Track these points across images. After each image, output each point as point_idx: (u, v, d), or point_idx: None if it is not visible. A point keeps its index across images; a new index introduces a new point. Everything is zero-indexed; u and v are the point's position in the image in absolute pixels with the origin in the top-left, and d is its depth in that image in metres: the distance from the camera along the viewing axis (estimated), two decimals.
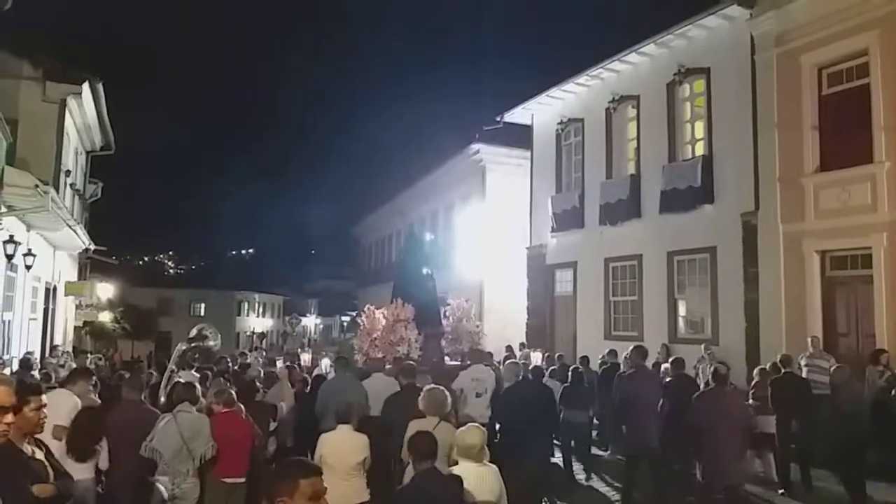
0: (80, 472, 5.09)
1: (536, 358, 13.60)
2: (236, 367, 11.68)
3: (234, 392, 6.46)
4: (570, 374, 10.31)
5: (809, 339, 10.86)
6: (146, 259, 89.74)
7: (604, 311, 16.59)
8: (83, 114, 17.44)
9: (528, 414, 6.81)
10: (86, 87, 15.92)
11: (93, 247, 20.30)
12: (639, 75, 15.93)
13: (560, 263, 18.24)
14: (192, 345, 9.93)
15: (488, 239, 21.25)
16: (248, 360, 13.20)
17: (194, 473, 5.69)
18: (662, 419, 7.72)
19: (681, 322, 14.74)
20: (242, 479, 5.96)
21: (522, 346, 17.06)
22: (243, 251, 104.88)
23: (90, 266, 25.19)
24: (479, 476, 4.01)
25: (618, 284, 16.40)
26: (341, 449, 5.49)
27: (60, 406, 5.31)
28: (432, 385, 6.03)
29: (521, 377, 8.17)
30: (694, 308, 14.50)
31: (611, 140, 16.83)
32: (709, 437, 6.69)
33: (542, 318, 18.65)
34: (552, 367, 11.98)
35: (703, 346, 12.92)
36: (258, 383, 8.77)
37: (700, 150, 14.51)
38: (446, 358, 12.71)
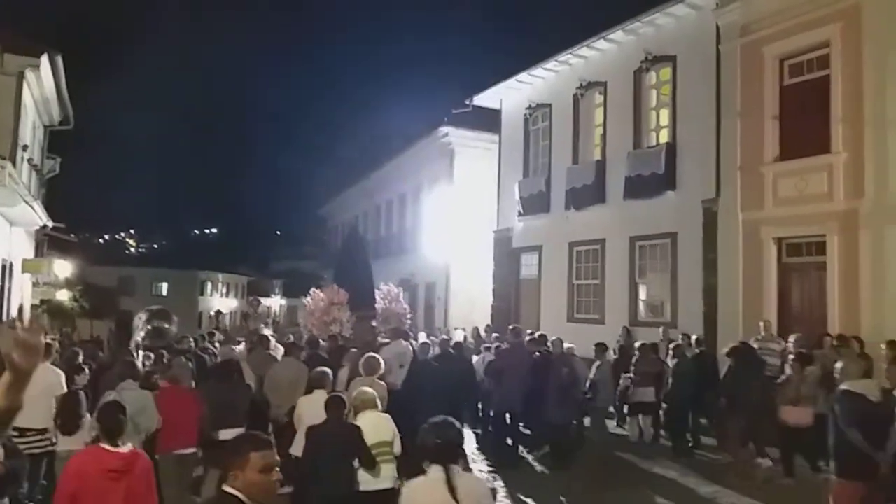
0: (69, 443, 5.90)
1: (459, 335, 15.01)
2: (199, 348, 11.59)
3: (193, 370, 6.58)
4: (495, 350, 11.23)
5: (762, 323, 11.20)
6: (106, 237, 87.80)
7: (567, 294, 16.84)
8: (41, 87, 16.90)
9: (435, 382, 8.37)
10: (44, 59, 15.40)
11: (51, 224, 19.77)
12: (606, 62, 16.06)
13: (526, 247, 18.42)
14: (150, 327, 10.04)
15: (456, 222, 21.32)
16: (216, 340, 13.11)
17: (140, 448, 5.76)
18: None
19: (641, 306, 15.05)
20: (192, 450, 6.25)
21: (488, 328, 17.21)
22: (207, 230, 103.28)
23: (48, 243, 24.55)
24: (376, 421, 5.35)
25: (581, 268, 16.65)
26: (316, 409, 5.96)
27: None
28: (370, 354, 7.57)
29: (439, 353, 9.86)
30: (654, 292, 14.81)
31: (578, 126, 16.98)
32: (557, 392, 9.28)
33: (508, 300, 18.84)
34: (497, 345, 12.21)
35: (661, 329, 13.24)
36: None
37: (664, 137, 14.74)
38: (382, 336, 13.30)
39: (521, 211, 18.27)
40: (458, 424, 3.38)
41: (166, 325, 10.47)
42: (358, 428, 5.20)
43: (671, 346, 11.21)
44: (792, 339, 10.29)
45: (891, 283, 10.29)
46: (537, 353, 10.27)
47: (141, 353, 9.43)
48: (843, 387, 5.45)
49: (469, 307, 19.20)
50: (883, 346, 9.15)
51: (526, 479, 5.43)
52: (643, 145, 15.10)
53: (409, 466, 4.35)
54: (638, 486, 8.37)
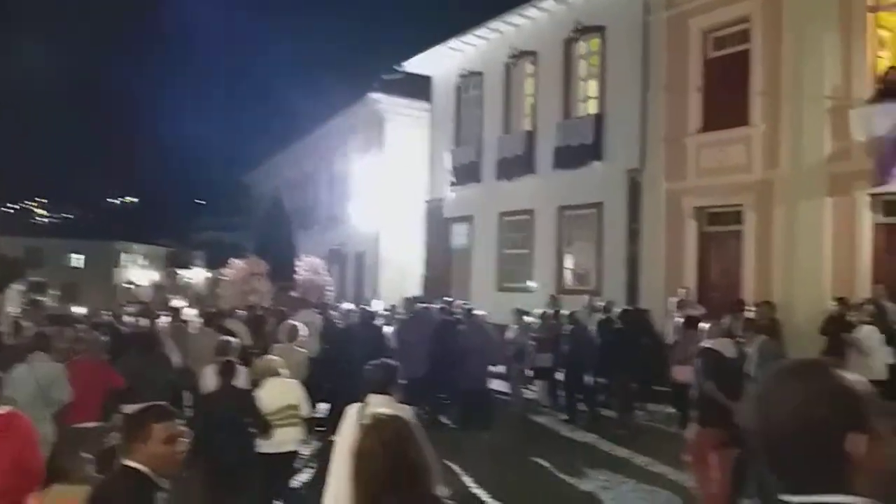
0: None
1: (378, 305, 15.17)
2: (114, 320, 11.17)
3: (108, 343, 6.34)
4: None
5: (682, 290, 11.63)
6: (12, 206, 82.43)
7: (497, 263, 16.99)
8: None
9: (348, 350, 8.75)
10: None
11: None
12: (538, 31, 16.05)
13: (457, 217, 18.42)
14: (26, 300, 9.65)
15: (386, 191, 21.04)
16: (132, 313, 12.60)
17: (51, 420, 5.57)
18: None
19: (568, 274, 15.36)
20: (99, 424, 5.97)
21: (418, 298, 17.18)
22: (124, 199, 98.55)
23: None
24: (283, 386, 5.54)
25: (511, 238, 16.80)
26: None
27: None
28: (291, 321, 7.99)
29: (355, 322, 10.39)
30: (581, 261, 15.13)
31: (509, 95, 16.98)
32: (462, 357, 9.75)
33: (439, 270, 18.85)
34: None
35: (587, 297, 13.53)
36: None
37: (593, 108, 14.93)
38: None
39: (453, 180, 18.21)
40: (393, 364, 4.37)
41: (41, 298, 10.17)
42: (249, 393, 5.34)
43: (573, 312, 11.57)
44: (674, 300, 11.21)
45: (801, 250, 10.84)
46: (445, 321, 10.64)
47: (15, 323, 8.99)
48: (702, 344, 6.16)
49: (399, 277, 19.09)
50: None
51: (438, 441, 5.63)
52: (572, 115, 15.26)
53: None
54: (543, 446, 8.78)
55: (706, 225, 12.56)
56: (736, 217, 11.95)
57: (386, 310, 13.47)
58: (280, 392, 5.49)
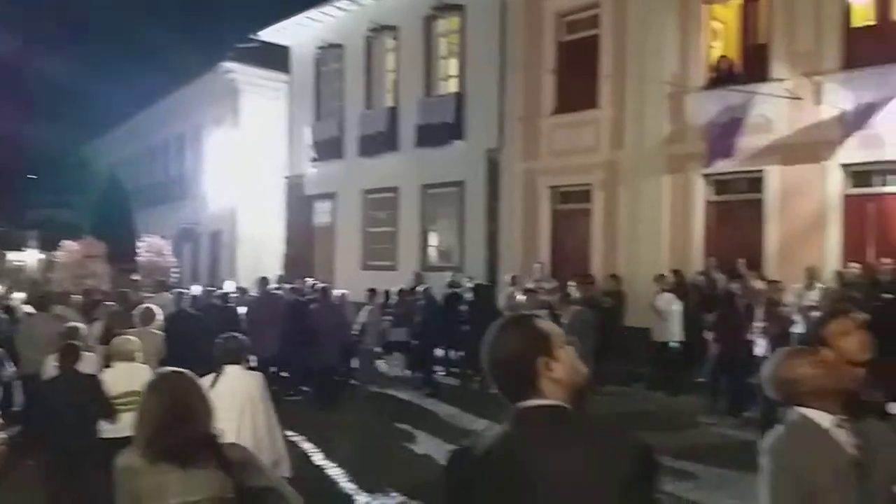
0: None
1: (230, 286, 14.65)
2: None
3: None
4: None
5: (536, 265, 12.15)
6: None
7: (361, 241, 16.83)
8: None
9: (197, 332, 8.47)
10: None
11: None
12: (398, 5, 15.86)
13: (319, 194, 17.98)
14: None
15: (243, 166, 20.08)
16: None
17: None
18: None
19: (432, 252, 15.53)
20: None
21: (281, 277, 16.65)
22: None
23: None
24: (132, 371, 5.28)
25: (375, 216, 16.68)
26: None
27: None
28: (146, 305, 7.66)
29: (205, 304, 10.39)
30: (444, 239, 15.35)
31: (371, 70, 16.71)
32: (313, 336, 9.82)
33: (301, 248, 18.36)
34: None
35: (451, 274, 13.78)
36: None
37: (453, 86, 15.06)
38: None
39: (314, 156, 17.72)
40: (242, 338, 4.67)
41: None
42: (93, 377, 5.20)
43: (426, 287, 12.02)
44: (508, 277, 11.90)
45: (643, 226, 11.65)
46: (297, 301, 10.75)
47: None
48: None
49: (259, 257, 18.38)
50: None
51: (289, 419, 5.71)
52: (434, 94, 15.31)
53: None
54: (396, 417, 8.97)
55: (559, 203, 13.16)
56: (585, 196, 12.60)
57: (238, 290, 13.05)
58: (128, 377, 5.28)
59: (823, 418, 2.25)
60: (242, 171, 20.00)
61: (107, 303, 9.55)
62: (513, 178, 13.48)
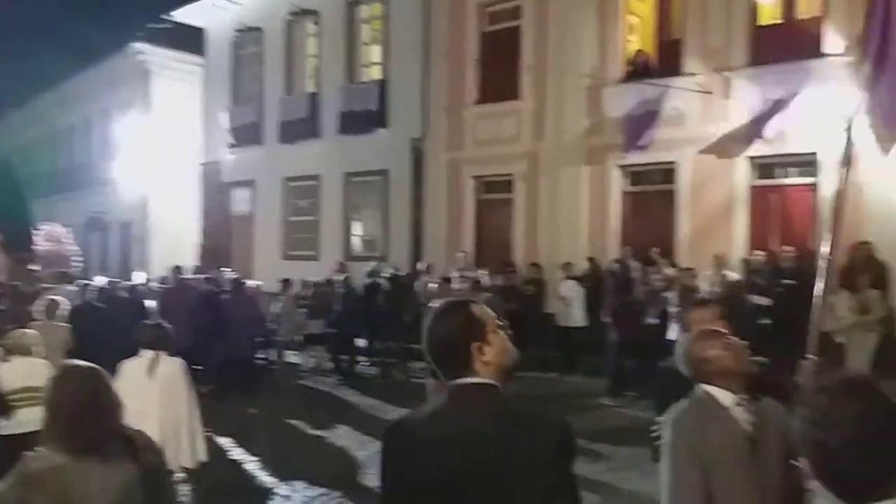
0: None
1: (140, 277, 14.47)
2: None
3: None
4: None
5: (460, 254, 12.20)
6: None
7: (282, 231, 16.42)
8: None
9: (102, 325, 8.34)
10: None
11: None
12: None
13: (237, 181, 17.39)
14: None
15: (155, 152, 19.17)
16: None
17: None
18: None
19: (356, 241, 15.33)
20: None
21: (197, 268, 16.04)
22: None
23: None
24: (28, 366, 5.16)
25: (297, 204, 16.30)
26: None
27: None
28: (51, 296, 7.47)
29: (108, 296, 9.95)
30: (368, 228, 15.17)
31: (291, 55, 16.27)
32: (226, 327, 9.64)
33: (219, 238, 17.72)
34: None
35: (375, 263, 13.64)
36: None
37: (377, 74, 14.86)
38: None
39: (232, 142, 17.12)
40: (165, 325, 4.81)
41: None
42: None
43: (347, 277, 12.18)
44: (423, 267, 12.05)
45: (562, 216, 11.87)
46: (210, 291, 10.59)
47: None
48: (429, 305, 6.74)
49: (173, 247, 17.61)
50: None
51: (205, 413, 5.57)
52: (356, 80, 15.07)
53: None
54: (313, 408, 8.91)
55: (483, 193, 13.23)
56: (508, 186, 12.73)
57: (147, 281, 12.56)
58: (24, 372, 5.13)
59: (726, 396, 2.42)
60: (155, 158, 19.11)
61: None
62: (437, 167, 13.45)
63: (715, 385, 2.45)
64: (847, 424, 1.30)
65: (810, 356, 2.46)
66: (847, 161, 3.57)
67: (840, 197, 3.53)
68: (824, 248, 2.93)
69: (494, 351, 1.78)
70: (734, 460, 2.34)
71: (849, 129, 3.81)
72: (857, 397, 1.33)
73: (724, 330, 2.64)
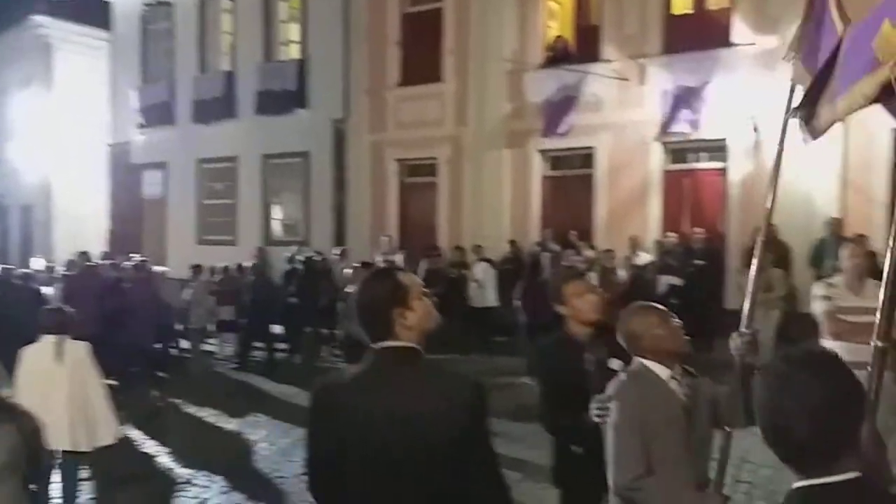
0: None
1: (38, 264, 13.66)
2: None
3: None
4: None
5: (384, 238, 12.08)
6: None
7: (196, 214, 15.80)
8: None
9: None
10: None
11: None
12: None
13: (148, 163, 16.57)
14: None
15: (58, 132, 18.01)
16: None
17: None
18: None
19: (276, 225, 14.93)
20: None
21: (105, 254, 15.23)
22: None
23: None
24: None
25: (212, 187, 15.71)
26: None
27: None
28: None
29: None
30: (288, 211, 14.80)
31: (204, 31, 15.58)
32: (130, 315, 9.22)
33: (129, 223, 16.89)
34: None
35: (296, 248, 13.32)
36: None
37: (295, 53, 14.45)
38: None
39: (142, 122, 16.28)
40: (69, 310, 4.79)
41: None
42: None
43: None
44: (337, 252, 11.90)
45: (485, 200, 11.93)
46: (115, 279, 10.22)
47: None
48: (347, 290, 7.03)
49: (78, 232, 16.64)
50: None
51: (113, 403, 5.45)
52: (274, 59, 14.61)
53: None
54: (230, 397, 8.68)
55: (406, 176, 13.13)
56: (432, 169, 12.68)
57: (47, 268, 11.83)
58: None
59: (661, 370, 2.53)
60: (57, 138, 17.95)
61: None
62: (360, 150, 13.24)
63: (650, 359, 2.55)
64: (804, 395, 1.30)
65: (744, 330, 2.55)
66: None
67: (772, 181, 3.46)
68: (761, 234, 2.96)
69: (417, 316, 1.89)
70: (671, 427, 2.45)
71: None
72: (818, 369, 1.34)
73: (662, 307, 2.72)
